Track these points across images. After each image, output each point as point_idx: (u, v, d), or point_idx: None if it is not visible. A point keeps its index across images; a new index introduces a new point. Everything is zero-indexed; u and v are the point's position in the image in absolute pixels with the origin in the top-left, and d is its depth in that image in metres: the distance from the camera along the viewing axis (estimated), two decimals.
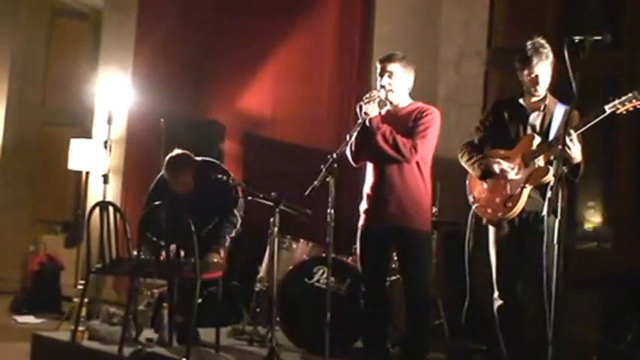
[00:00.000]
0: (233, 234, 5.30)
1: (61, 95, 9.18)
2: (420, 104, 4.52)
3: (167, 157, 5.23)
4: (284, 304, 5.06)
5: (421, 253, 4.44)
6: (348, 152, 4.48)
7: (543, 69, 4.16)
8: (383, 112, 4.53)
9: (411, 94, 4.57)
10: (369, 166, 4.53)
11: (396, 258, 4.67)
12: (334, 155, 4.24)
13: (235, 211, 5.30)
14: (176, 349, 4.99)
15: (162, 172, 5.28)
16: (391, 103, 4.52)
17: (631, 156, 5.51)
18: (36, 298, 7.62)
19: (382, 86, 4.46)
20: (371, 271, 4.51)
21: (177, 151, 5.25)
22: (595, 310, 5.02)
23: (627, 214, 5.51)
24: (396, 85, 4.46)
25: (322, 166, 4.23)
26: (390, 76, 4.45)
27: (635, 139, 5.44)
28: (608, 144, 5.58)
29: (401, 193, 4.38)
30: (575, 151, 3.92)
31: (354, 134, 4.38)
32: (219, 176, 5.19)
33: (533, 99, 4.26)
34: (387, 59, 4.48)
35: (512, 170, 4.18)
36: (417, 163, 4.40)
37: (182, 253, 4.91)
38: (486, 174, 4.27)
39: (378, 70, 4.50)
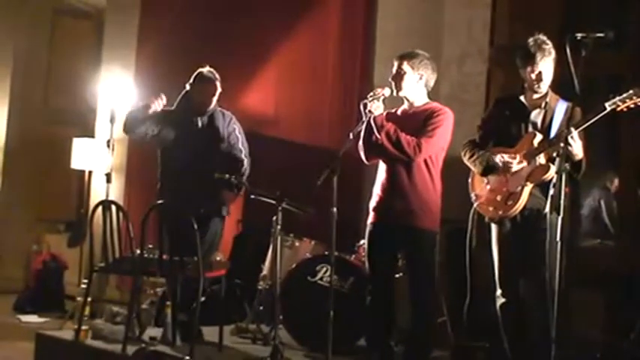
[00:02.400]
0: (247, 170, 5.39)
1: (64, 94, 9.16)
2: (434, 104, 4.53)
3: (203, 70, 5.37)
4: (287, 302, 5.07)
5: (427, 252, 4.45)
6: (360, 151, 4.50)
7: (546, 65, 4.17)
8: (399, 111, 4.54)
9: (428, 94, 4.57)
10: (381, 164, 4.54)
11: (401, 256, 4.68)
12: (337, 154, 4.25)
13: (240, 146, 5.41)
14: (179, 348, 5.00)
15: (187, 88, 5.39)
16: (407, 101, 4.52)
17: (634, 152, 5.51)
18: (39, 298, 7.62)
19: (393, 82, 4.48)
20: (378, 269, 4.52)
21: (208, 68, 5.38)
22: (598, 308, 5.02)
23: (631, 212, 5.51)
24: (406, 83, 4.47)
25: (325, 165, 4.24)
26: (399, 74, 4.46)
27: (638, 135, 5.43)
28: (611, 140, 5.57)
29: (409, 192, 4.38)
30: (577, 148, 3.93)
31: (358, 132, 4.39)
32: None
33: (535, 96, 4.27)
34: (400, 57, 4.51)
35: (514, 161, 4.18)
36: (426, 162, 4.41)
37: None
38: (488, 170, 4.28)
39: (394, 67, 4.52)
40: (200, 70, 5.39)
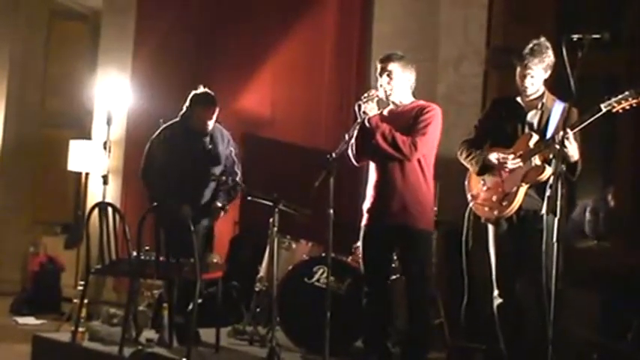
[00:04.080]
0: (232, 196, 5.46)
1: (61, 97, 9.16)
2: (421, 102, 4.53)
3: (199, 92, 5.33)
4: (284, 303, 5.06)
5: (423, 252, 4.45)
6: (349, 152, 4.49)
7: (537, 70, 4.17)
8: (385, 112, 4.54)
9: (413, 93, 4.57)
10: (372, 165, 4.53)
11: (396, 257, 4.68)
12: (333, 155, 4.25)
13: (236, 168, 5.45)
14: (176, 350, 4.99)
15: (184, 110, 5.36)
16: (393, 102, 4.53)
17: (630, 153, 5.51)
18: (36, 299, 7.60)
19: (381, 86, 4.47)
20: (373, 270, 4.52)
21: (205, 89, 5.35)
22: (595, 309, 5.02)
23: (627, 212, 5.51)
24: (396, 85, 4.47)
25: (321, 167, 4.24)
26: (389, 76, 4.46)
27: (634, 136, 5.44)
28: (607, 141, 5.58)
29: (403, 192, 4.38)
30: (572, 150, 3.94)
31: (353, 134, 4.39)
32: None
33: (531, 97, 4.27)
34: (386, 59, 4.49)
35: (509, 157, 4.18)
36: (419, 161, 4.40)
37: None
38: (485, 169, 4.28)
39: (378, 70, 4.51)
40: (196, 92, 5.34)
